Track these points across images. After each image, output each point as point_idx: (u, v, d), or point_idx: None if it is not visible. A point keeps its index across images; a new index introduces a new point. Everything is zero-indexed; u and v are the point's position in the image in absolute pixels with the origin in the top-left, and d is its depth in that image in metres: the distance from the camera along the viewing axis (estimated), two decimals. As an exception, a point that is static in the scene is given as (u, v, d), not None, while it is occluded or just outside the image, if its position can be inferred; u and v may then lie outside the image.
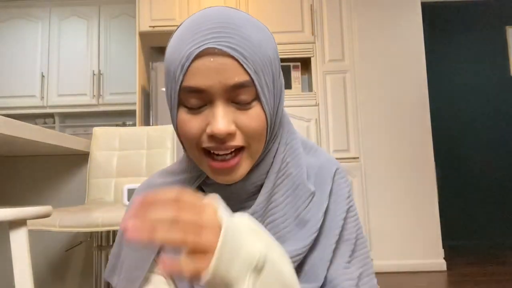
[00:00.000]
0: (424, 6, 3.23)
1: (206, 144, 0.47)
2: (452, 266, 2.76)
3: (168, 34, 3.06)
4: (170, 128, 1.73)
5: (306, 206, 0.53)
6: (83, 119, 3.74)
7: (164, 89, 2.84)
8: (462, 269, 2.71)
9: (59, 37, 3.59)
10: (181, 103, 0.49)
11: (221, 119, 0.46)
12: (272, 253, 0.40)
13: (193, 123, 0.48)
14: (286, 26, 2.95)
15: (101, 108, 3.51)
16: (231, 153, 0.48)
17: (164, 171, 0.62)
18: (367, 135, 2.83)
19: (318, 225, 0.52)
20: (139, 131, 1.75)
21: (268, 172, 0.54)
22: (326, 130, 2.84)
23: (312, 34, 2.95)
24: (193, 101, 0.47)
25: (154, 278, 0.54)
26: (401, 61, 2.89)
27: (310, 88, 3.06)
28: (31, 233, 1.71)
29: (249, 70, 0.46)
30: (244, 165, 0.50)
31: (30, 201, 1.76)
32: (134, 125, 3.47)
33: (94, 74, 3.53)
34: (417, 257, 2.69)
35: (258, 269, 0.38)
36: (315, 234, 0.52)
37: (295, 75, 2.98)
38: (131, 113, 3.54)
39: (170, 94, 0.50)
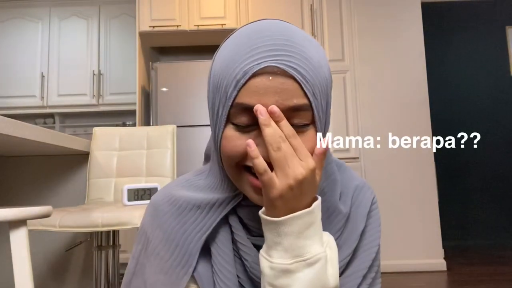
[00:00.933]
0: (424, 6, 3.23)
1: (250, 163, 0.46)
2: (452, 266, 2.76)
3: (168, 34, 3.06)
4: (170, 128, 1.73)
5: (340, 230, 0.54)
6: (83, 119, 3.74)
7: (165, 89, 2.84)
8: (462, 269, 2.71)
9: (59, 37, 3.59)
10: (229, 120, 0.47)
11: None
12: (327, 260, 0.46)
13: (240, 141, 0.46)
14: (286, 26, 2.95)
15: (101, 108, 3.51)
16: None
17: (188, 183, 0.57)
18: (367, 135, 2.83)
19: (352, 249, 0.53)
20: (139, 131, 1.75)
21: None
22: (326, 130, 2.83)
23: (312, 34, 2.95)
24: (244, 119, 0.46)
25: None
26: (401, 61, 2.89)
27: (310, 88, 3.05)
28: (31, 233, 1.71)
29: (308, 94, 0.45)
30: None
31: (30, 201, 1.76)
32: (134, 125, 3.47)
33: (94, 74, 3.53)
34: (417, 257, 2.68)
35: (308, 263, 0.43)
36: (348, 258, 0.53)
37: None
38: (131, 113, 3.54)
39: (218, 109, 0.47)
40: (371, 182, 2.78)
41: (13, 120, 1.08)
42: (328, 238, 0.49)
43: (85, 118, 3.74)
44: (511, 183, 3.95)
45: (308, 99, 0.45)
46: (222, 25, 2.98)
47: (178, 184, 0.57)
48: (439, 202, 2.82)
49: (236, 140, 0.46)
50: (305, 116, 0.46)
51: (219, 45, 0.52)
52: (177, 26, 2.99)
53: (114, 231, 1.54)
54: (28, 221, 1.16)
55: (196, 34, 3.06)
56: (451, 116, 4.07)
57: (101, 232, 1.51)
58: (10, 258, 0.94)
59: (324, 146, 0.45)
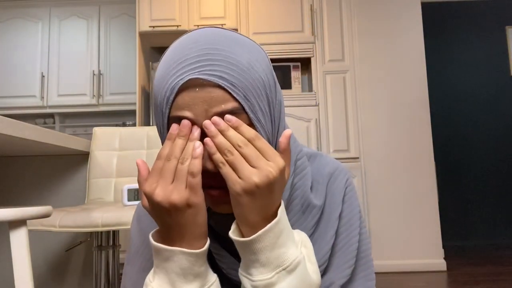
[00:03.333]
0: (424, 6, 3.23)
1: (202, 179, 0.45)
2: (452, 266, 2.76)
3: (168, 34, 3.06)
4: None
5: (316, 224, 0.55)
6: (83, 119, 3.74)
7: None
8: (462, 269, 2.71)
9: (59, 37, 3.59)
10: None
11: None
12: (305, 259, 0.46)
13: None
14: (286, 26, 2.95)
15: (101, 108, 3.51)
16: None
17: None
18: (367, 135, 2.83)
19: (330, 245, 0.54)
20: (139, 131, 1.75)
21: None
22: (326, 130, 2.84)
23: (312, 34, 2.95)
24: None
25: None
26: (401, 61, 2.89)
27: (310, 88, 3.06)
28: (31, 233, 1.71)
29: (238, 98, 0.45)
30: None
31: (30, 201, 1.76)
32: (134, 125, 3.47)
33: (94, 74, 3.53)
34: (417, 257, 2.69)
35: (288, 270, 0.44)
36: (328, 254, 0.54)
37: (295, 75, 2.98)
38: (131, 113, 3.54)
39: (160, 128, 0.49)
40: (371, 182, 2.78)
41: (13, 120, 1.08)
42: (300, 236, 0.49)
43: (85, 118, 3.74)
44: (511, 183, 3.95)
45: (239, 103, 0.45)
46: (222, 25, 2.98)
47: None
48: (439, 202, 2.82)
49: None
50: (241, 119, 0.45)
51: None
52: (177, 26, 3.00)
53: (114, 231, 1.54)
54: (28, 221, 1.16)
55: (196, 34, 3.06)
56: (451, 116, 4.07)
57: (101, 232, 1.51)
58: (10, 258, 0.94)
59: (285, 141, 0.47)
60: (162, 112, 0.47)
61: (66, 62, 3.55)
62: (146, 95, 3.17)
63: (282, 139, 0.47)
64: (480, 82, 4.08)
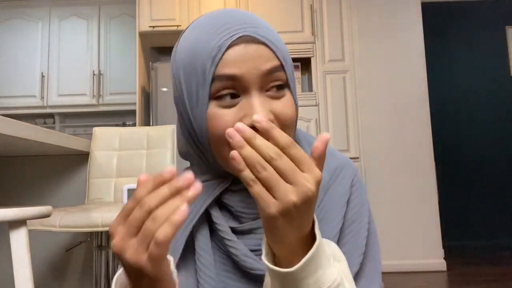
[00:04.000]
0: (424, 6, 3.23)
1: None
2: (452, 266, 2.76)
3: (168, 34, 3.06)
4: (170, 128, 1.73)
5: (319, 204, 0.53)
6: (83, 119, 3.74)
7: (165, 89, 2.84)
8: (462, 269, 2.71)
9: (59, 37, 3.59)
10: (211, 98, 0.46)
11: (260, 108, 0.44)
12: (345, 282, 0.41)
13: (227, 117, 0.45)
14: (286, 26, 2.95)
15: (101, 108, 3.51)
16: None
17: None
18: (367, 135, 2.83)
19: (339, 221, 0.52)
20: (139, 131, 1.75)
21: None
22: (326, 130, 2.84)
23: (312, 34, 2.95)
24: (226, 92, 0.45)
25: None
26: (401, 61, 2.89)
27: (310, 88, 3.06)
28: (31, 233, 1.70)
29: (280, 56, 0.47)
30: None
31: (30, 201, 1.76)
32: (134, 125, 3.47)
33: (94, 74, 3.53)
34: (417, 257, 2.69)
35: None
36: (338, 231, 0.52)
37: (295, 75, 2.98)
38: (131, 113, 3.54)
39: (196, 91, 0.47)
40: (371, 182, 2.78)
41: (13, 120, 1.08)
42: (332, 249, 0.45)
43: (85, 118, 3.74)
44: (511, 183, 3.95)
45: (280, 61, 0.47)
46: (222, 25, 2.98)
47: None
48: (439, 202, 2.82)
49: (224, 117, 0.45)
50: (280, 77, 0.47)
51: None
52: (177, 26, 2.99)
53: (114, 231, 1.54)
54: (28, 221, 1.16)
55: (196, 34, 3.06)
56: (451, 116, 4.07)
57: (101, 232, 1.51)
58: (10, 258, 0.94)
59: (322, 146, 0.39)
60: (204, 73, 0.45)
61: (66, 62, 3.55)
62: (146, 95, 3.17)
63: (319, 144, 0.38)
64: (480, 82, 4.08)
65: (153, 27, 2.99)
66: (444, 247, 2.76)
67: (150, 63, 3.16)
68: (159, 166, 1.66)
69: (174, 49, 0.52)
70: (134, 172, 1.68)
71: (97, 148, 1.70)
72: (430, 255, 2.69)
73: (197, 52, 0.46)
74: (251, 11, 2.98)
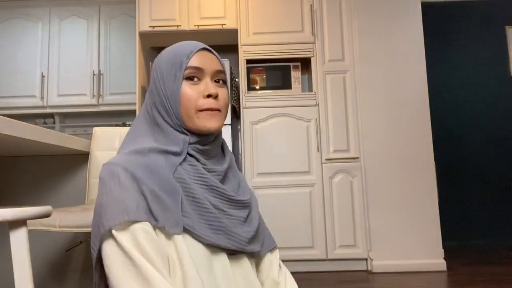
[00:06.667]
0: (424, 6, 3.23)
1: (201, 104, 0.73)
2: (452, 266, 2.76)
3: (168, 34, 3.06)
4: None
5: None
6: (83, 119, 3.74)
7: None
8: (462, 269, 2.71)
9: (59, 37, 3.59)
10: (183, 79, 0.74)
11: (212, 86, 0.75)
12: None
13: (194, 90, 0.74)
14: (286, 26, 2.95)
15: (101, 108, 3.51)
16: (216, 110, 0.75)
17: (156, 148, 0.72)
18: (367, 135, 2.83)
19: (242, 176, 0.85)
20: (139, 131, 1.75)
21: (222, 144, 0.82)
22: (326, 130, 2.84)
23: (312, 34, 2.95)
24: (192, 75, 0.74)
25: None
26: (401, 61, 2.89)
27: (310, 88, 3.06)
28: (31, 233, 1.71)
29: (222, 65, 0.79)
30: (221, 120, 0.76)
31: (30, 201, 1.76)
32: (134, 125, 3.46)
33: (94, 74, 3.53)
34: (417, 257, 2.69)
35: None
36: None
37: (295, 75, 2.98)
38: (131, 113, 3.55)
39: (175, 74, 0.74)
40: (371, 182, 2.78)
41: (13, 120, 1.08)
42: None
43: (85, 118, 3.74)
44: (511, 183, 3.95)
45: (223, 68, 0.78)
46: (222, 25, 2.98)
47: (131, 153, 0.71)
48: (439, 202, 2.82)
49: (192, 90, 0.74)
50: (222, 77, 0.78)
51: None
52: (177, 26, 3.00)
53: (114, 231, 1.54)
54: (28, 221, 1.16)
55: (196, 34, 3.06)
56: (451, 116, 4.07)
57: (101, 232, 1.50)
58: (10, 258, 0.94)
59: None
60: (181, 63, 0.73)
61: (66, 62, 3.55)
62: (146, 95, 3.17)
63: None
64: (480, 82, 4.08)
65: (153, 27, 2.99)
66: (444, 247, 2.76)
67: (150, 63, 3.16)
68: (159, 166, 1.65)
69: (157, 56, 0.79)
70: (134, 172, 1.67)
71: (97, 148, 1.70)
72: (430, 255, 2.69)
73: (177, 53, 0.75)
74: (251, 11, 2.98)
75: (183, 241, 0.65)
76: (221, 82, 0.77)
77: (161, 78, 0.75)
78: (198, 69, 0.74)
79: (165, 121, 0.74)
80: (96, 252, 0.64)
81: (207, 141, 0.75)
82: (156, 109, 0.75)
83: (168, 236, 0.65)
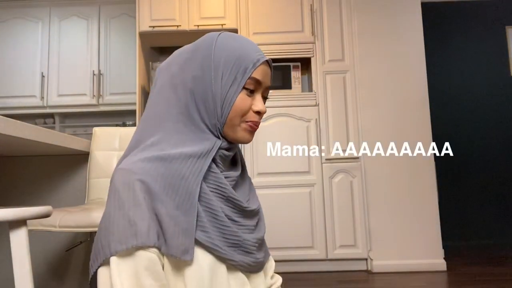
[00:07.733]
0: (424, 6, 3.23)
1: (248, 117, 0.73)
2: (452, 266, 2.76)
3: (168, 34, 3.06)
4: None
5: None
6: (83, 119, 3.74)
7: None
8: (462, 269, 2.71)
9: (59, 37, 3.59)
10: (243, 87, 0.71)
11: (261, 103, 0.74)
12: None
13: (248, 101, 0.72)
14: (286, 26, 2.95)
15: (101, 108, 3.51)
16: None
17: (181, 154, 0.67)
18: (367, 135, 2.83)
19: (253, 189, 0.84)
20: (139, 131, 1.75)
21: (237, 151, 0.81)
22: (326, 130, 2.84)
23: (312, 34, 2.95)
24: (252, 87, 0.72)
25: None
26: (401, 61, 2.89)
27: (310, 88, 3.06)
28: (31, 233, 1.71)
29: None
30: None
31: (30, 201, 1.76)
32: (134, 125, 3.47)
33: (94, 74, 3.53)
34: (417, 257, 2.69)
35: None
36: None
37: (295, 75, 2.98)
38: (131, 113, 3.54)
39: (235, 77, 0.71)
40: (371, 181, 2.78)
41: (13, 120, 1.08)
42: None
43: (85, 118, 3.74)
44: (511, 183, 3.95)
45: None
46: (222, 25, 2.98)
47: (155, 161, 0.65)
48: (439, 202, 2.82)
49: (246, 101, 0.72)
50: (268, 94, 0.78)
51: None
52: (177, 26, 3.00)
53: (114, 231, 1.54)
54: (28, 221, 1.16)
55: (196, 34, 3.06)
56: (451, 116, 4.07)
57: (101, 232, 1.50)
58: (10, 258, 0.94)
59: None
60: (246, 70, 0.71)
61: (66, 62, 3.55)
62: (146, 95, 3.17)
63: None
64: (480, 82, 4.08)
65: (153, 27, 2.99)
66: (444, 247, 2.76)
67: (150, 63, 3.16)
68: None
69: (214, 40, 0.73)
70: (134, 172, 1.67)
71: (97, 148, 1.70)
72: (430, 255, 2.69)
73: (242, 54, 0.71)
74: (251, 11, 2.98)
75: (191, 266, 0.63)
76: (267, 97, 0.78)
77: (216, 73, 0.70)
78: (258, 82, 0.72)
79: (201, 117, 0.71)
80: (94, 271, 0.63)
81: (233, 148, 0.75)
82: (194, 101, 0.70)
83: (176, 260, 0.62)
